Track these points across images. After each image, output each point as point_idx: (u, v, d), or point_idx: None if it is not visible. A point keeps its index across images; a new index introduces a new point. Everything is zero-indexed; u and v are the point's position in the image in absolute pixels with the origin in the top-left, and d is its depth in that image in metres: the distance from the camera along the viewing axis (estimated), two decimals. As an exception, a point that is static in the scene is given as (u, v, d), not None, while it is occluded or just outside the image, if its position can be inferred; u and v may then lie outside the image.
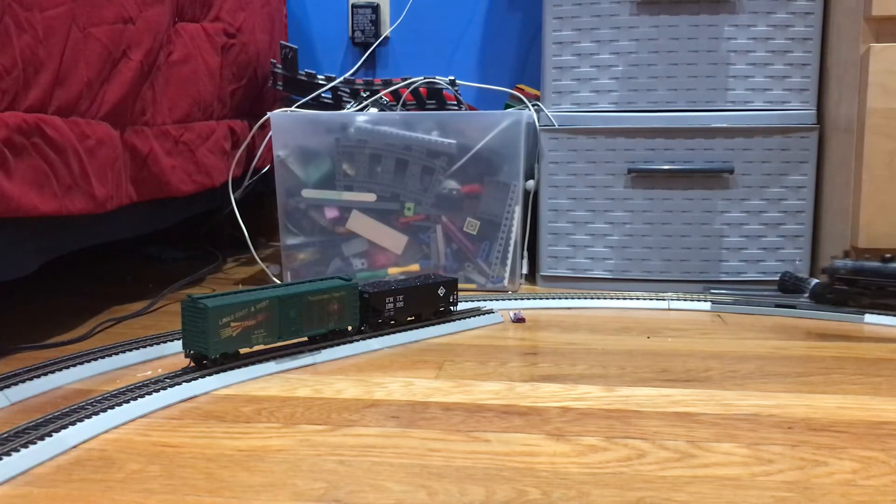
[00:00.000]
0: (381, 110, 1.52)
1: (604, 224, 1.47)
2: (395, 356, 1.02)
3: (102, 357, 0.96)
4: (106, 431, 0.76)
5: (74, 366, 0.93)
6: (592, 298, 1.32)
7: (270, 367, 0.95)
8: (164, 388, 0.85)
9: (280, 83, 1.61)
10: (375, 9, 1.90)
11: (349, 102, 1.58)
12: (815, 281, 1.28)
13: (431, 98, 1.57)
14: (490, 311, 1.21)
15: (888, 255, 1.19)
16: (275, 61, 1.62)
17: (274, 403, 0.85)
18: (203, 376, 0.89)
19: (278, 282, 1.47)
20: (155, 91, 1.25)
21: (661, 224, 1.45)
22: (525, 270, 1.48)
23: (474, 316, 1.18)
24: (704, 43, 1.42)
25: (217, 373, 0.90)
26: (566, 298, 1.32)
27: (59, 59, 0.98)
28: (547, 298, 1.32)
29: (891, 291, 1.20)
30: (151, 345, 1.02)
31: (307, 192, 1.45)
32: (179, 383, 0.86)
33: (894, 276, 1.19)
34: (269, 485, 0.65)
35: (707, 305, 1.28)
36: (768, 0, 1.39)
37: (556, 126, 1.46)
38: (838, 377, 0.93)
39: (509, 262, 1.42)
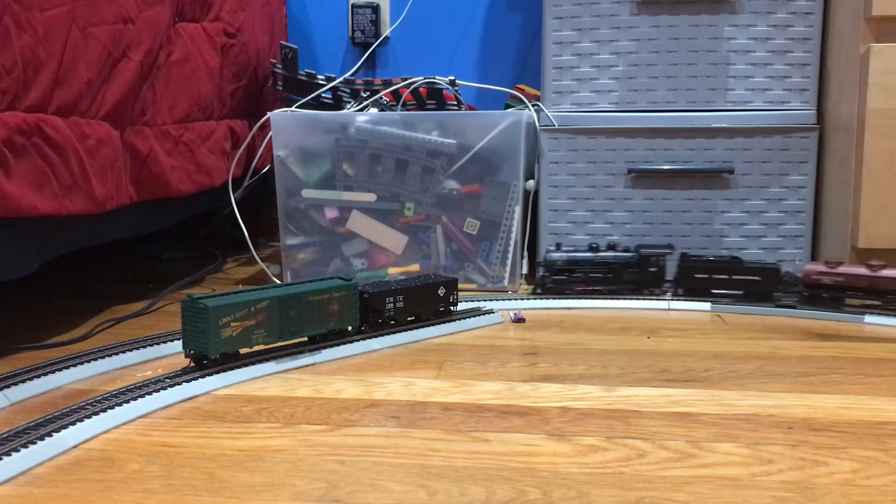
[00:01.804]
0: (381, 110, 1.52)
1: (604, 224, 1.47)
2: (394, 356, 1.02)
3: (102, 357, 0.96)
4: (106, 431, 0.76)
5: (74, 366, 0.93)
6: (592, 298, 1.32)
7: (270, 367, 0.95)
8: (164, 388, 0.85)
9: (280, 83, 1.61)
10: (375, 9, 1.90)
11: (349, 102, 1.58)
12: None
13: (431, 98, 1.57)
14: (490, 311, 1.21)
15: (595, 245, 1.33)
16: (275, 61, 1.62)
17: (274, 403, 0.85)
18: (203, 376, 0.89)
19: (278, 282, 1.47)
20: (155, 91, 1.25)
21: (661, 224, 1.45)
22: (525, 270, 1.48)
23: (474, 316, 1.18)
24: (704, 43, 1.42)
25: (217, 373, 0.90)
26: (566, 298, 1.32)
27: (59, 59, 0.98)
28: (547, 298, 1.32)
29: (599, 277, 1.33)
30: (151, 345, 1.01)
31: (307, 192, 1.45)
32: (179, 383, 0.86)
33: (603, 263, 1.32)
34: (269, 485, 0.65)
35: (707, 305, 1.28)
36: (768, 0, 1.39)
37: (556, 126, 1.46)
38: (838, 377, 0.93)
39: (509, 262, 1.41)
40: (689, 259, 1.32)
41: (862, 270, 1.20)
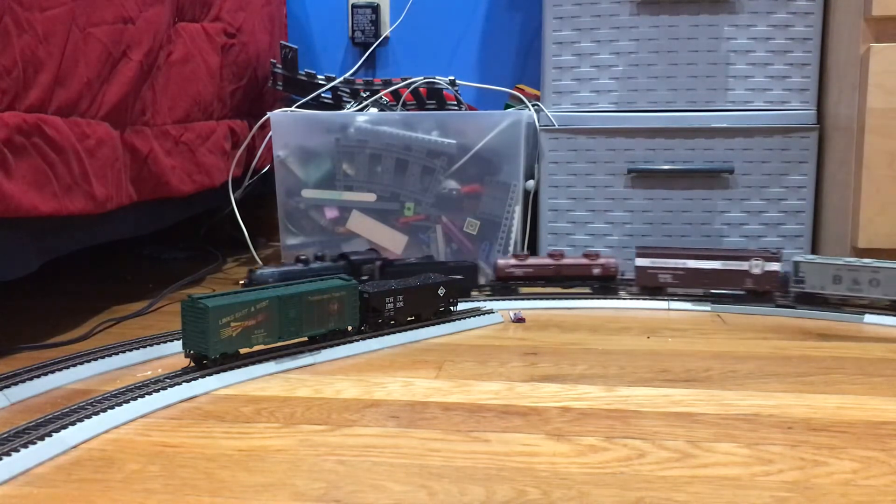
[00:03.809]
0: (381, 110, 1.52)
1: (604, 224, 1.47)
2: (394, 356, 1.02)
3: (102, 357, 0.96)
4: (106, 431, 0.76)
5: (74, 366, 0.93)
6: (592, 298, 1.32)
7: (270, 367, 0.95)
8: (164, 388, 0.85)
9: (280, 83, 1.61)
10: (375, 9, 1.90)
11: (349, 102, 1.58)
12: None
13: (431, 98, 1.57)
14: (490, 311, 1.21)
15: (304, 256, 1.21)
16: (275, 61, 1.62)
17: (274, 403, 0.85)
18: (203, 376, 0.89)
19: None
20: (155, 91, 1.25)
21: (661, 224, 1.45)
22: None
23: (474, 316, 1.18)
24: (704, 43, 1.42)
25: (217, 373, 0.90)
26: (566, 298, 1.32)
27: (59, 59, 0.98)
28: (547, 298, 1.32)
29: None
30: (151, 345, 1.01)
31: (307, 192, 1.45)
32: (179, 383, 0.86)
33: (318, 274, 1.19)
34: (269, 485, 0.65)
35: (707, 305, 1.28)
36: (768, 0, 1.39)
37: (556, 126, 1.46)
38: (838, 377, 0.93)
39: (509, 262, 1.41)
40: (393, 264, 1.28)
41: (547, 261, 1.31)
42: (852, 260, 1.23)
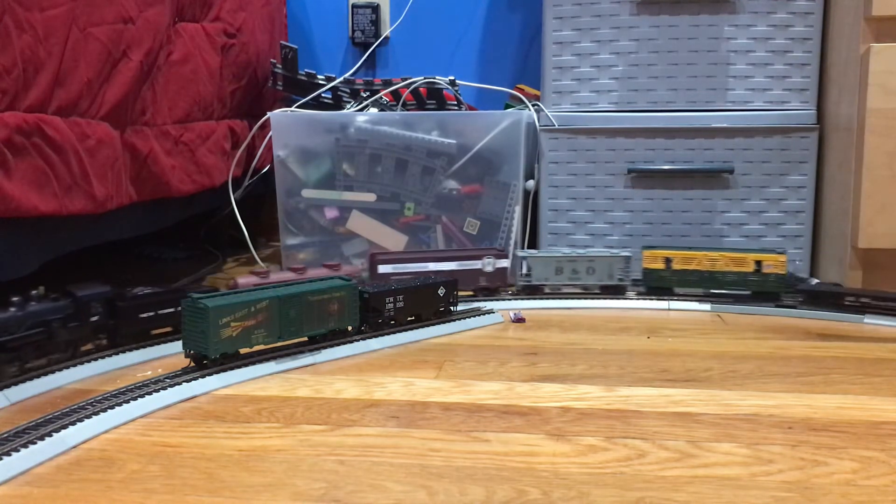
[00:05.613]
0: (381, 110, 1.52)
1: (604, 224, 1.47)
2: (395, 356, 1.02)
3: (102, 357, 0.96)
4: (106, 431, 0.76)
5: (74, 366, 0.93)
6: (592, 298, 1.32)
7: (270, 367, 0.95)
8: (164, 388, 0.85)
9: (280, 83, 1.61)
10: (375, 9, 1.90)
11: (349, 102, 1.58)
12: None
13: (431, 98, 1.57)
14: (490, 311, 1.21)
15: (17, 298, 0.87)
16: (275, 61, 1.62)
17: (274, 403, 0.85)
18: (203, 376, 0.89)
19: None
20: (155, 91, 1.24)
21: (660, 224, 1.45)
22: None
23: (474, 316, 1.18)
24: (704, 43, 1.42)
25: (217, 373, 0.90)
26: (566, 298, 1.32)
27: (59, 59, 0.98)
28: (547, 298, 1.32)
29: (33, 344, 0.88)
30: (151, 345, 1.01)
31: (307, 192, 1.45)
32: (179, 383, 0.86)
33: (38, 321, 0.89)
34: (269, 485, 0.65)
35: (707, 305, 1.28)
36: (768, 0, 1.39)
37: (556, 126, 1.46)
38: (838, 377, 0.93)
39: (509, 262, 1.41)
40: (132, 298, 1.01)
41: (290, 276, 1.26)
42: (569, 251, 1.35)
